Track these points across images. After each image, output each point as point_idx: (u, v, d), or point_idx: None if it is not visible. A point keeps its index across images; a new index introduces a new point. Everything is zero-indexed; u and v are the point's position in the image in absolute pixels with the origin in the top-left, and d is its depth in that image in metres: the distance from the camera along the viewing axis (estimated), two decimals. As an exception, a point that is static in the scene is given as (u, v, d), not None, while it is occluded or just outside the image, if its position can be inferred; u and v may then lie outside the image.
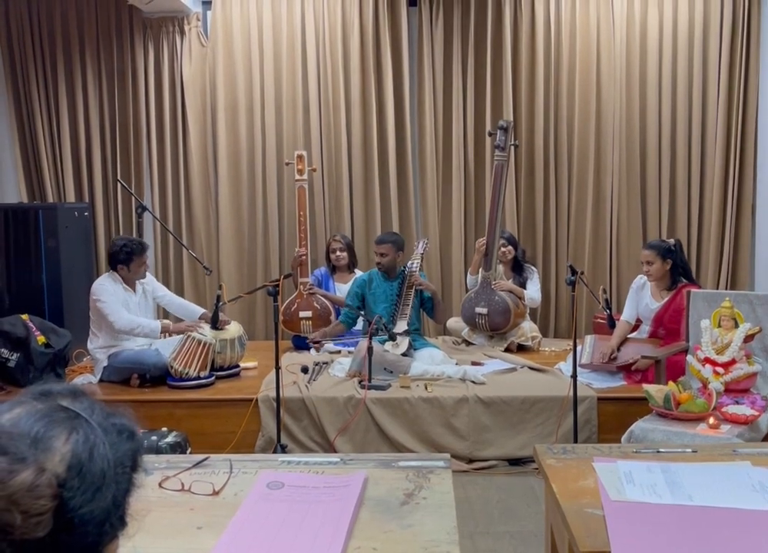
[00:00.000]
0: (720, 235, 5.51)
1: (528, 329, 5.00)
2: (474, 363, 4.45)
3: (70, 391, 0.79)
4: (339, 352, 4.75)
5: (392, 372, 4.16)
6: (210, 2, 5.61)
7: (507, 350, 4.84)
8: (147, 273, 4.50)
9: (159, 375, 4.19)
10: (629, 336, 4.44)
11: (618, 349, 4.27)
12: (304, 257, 4.92)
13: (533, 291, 5.07)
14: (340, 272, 5.15)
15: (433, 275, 5.60)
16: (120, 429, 0.78)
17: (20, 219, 4.89)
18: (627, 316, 4.42)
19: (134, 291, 4.39)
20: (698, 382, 3.43)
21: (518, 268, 5.15)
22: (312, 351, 4.77)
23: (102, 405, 0.80)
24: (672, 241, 4.34)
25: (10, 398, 0.79)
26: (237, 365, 4.45)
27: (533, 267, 5.23)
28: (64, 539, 0.70)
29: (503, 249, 5.07)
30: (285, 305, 4.88)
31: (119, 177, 5.52)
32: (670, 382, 3.30)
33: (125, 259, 4.26)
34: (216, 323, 4.35)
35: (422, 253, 4.86)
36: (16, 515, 0.67)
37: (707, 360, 3.38)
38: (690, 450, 1.89)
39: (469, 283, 5.14)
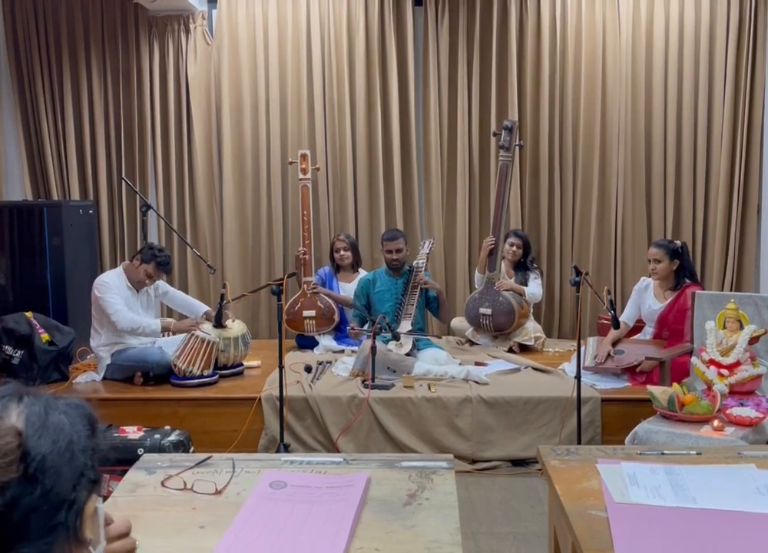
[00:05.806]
0: (725, 236, 5.48)
1: (532, 329, 4.99)
2: (477, 363, 4.45)
3: (15, 389, 0.82)
4: (343, 351, 4.75)
5: (395, 371, 4.16)
6: (216, 1, 5.61)
7: (509, 351, 4.83)
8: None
9: (162, 374, 4.19)
10: (633, 337, 4.43)
11: (615, 347, 4.26)
12: (306, 256, 4.92)
13: (534, 286, 5.03)
14: (344, 271, 5.14)
15: (437, 275, 5.58)
16: (68, 403, 0.82)
17: (24, 216, 4.90)
18: (625, 317, 4.40)
19: (137, 289, 4.39)
20: (702, 383, 3.41)
21: (521, 267, 5.13)
22: (316, 350, 4.82)
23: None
24: (679, 243, 4.32)
25: None
26: (241, 364, 4.46)
27: (538, 270, 5.19)
28: (35, 489, 0.72)
29: (511, 248, 5.05)
30: (289, 304, 4.88)
31: (124, 176, 5.53)
32: (675, 384, 3.30)
33: (145, 259, 4.24)
34: (219, 321, 4.36)
35: (428, 253, 4.85)
36: None
37: (712, 362, 3.37)
38: (694, 452, 1.88)
39: (477, 281, 5.12)
